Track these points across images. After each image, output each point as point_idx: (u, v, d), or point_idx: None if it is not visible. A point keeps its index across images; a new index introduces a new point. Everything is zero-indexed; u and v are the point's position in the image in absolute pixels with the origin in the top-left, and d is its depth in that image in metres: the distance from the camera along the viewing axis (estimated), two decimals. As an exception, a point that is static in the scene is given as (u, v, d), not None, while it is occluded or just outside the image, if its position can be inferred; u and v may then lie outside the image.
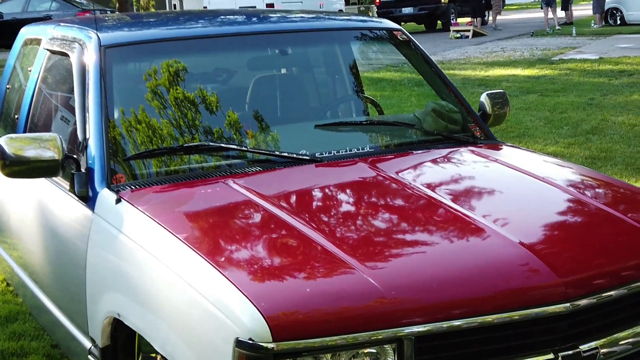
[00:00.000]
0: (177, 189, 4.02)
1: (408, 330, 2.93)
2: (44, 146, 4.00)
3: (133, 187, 3.98)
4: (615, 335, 3.25)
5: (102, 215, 3.94)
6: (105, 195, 3.96)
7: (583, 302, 3.12)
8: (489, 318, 3.02)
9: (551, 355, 3.07)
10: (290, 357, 2.85)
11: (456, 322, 2.98)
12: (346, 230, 3.60)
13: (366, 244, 3.42)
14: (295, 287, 3.12)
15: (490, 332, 3.04)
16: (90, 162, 4.10)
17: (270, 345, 2.83)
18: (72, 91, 4.54)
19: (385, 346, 2.92)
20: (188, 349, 3.18)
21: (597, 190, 4.16)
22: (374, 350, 2.92)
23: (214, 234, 3.63)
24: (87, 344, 4.07)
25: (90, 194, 4.04)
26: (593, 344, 3.16)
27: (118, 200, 3.86)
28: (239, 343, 2.88)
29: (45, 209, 4.63)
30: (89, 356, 4.02)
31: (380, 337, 2.91)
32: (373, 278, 3.05)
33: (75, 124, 4.38)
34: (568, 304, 3.08)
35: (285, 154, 4.26)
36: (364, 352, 2.92)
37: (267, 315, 2.87)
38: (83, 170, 4.08)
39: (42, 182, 4.60)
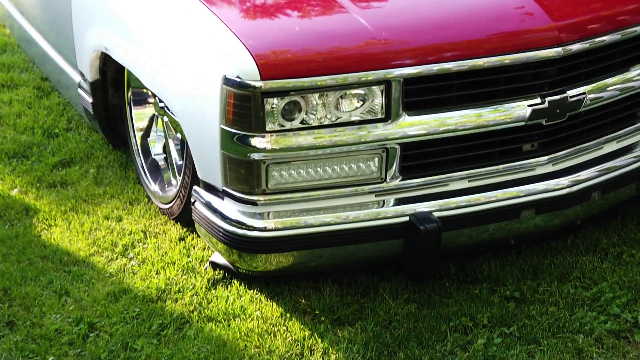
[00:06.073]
0: None
1: (398, 72, 2.90)
2: None
3: None
4: (604, 81, 3.24)
5: (85, -55, 3.78)
6: None
7: (575, 46, 3.08)
8: (480, 61, 2.98)
9: (538, 100, 3.08)
10: (278, 96, 2.85)
11: (447, 65, 2.95)
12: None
13: (359, -17, 3.32)
14: (285, 26, 3.06)
15: (479, 75, 3.03)
16: None
17: (258, 84, 2.81)
18: None
19: (373, 87, 2.91)
20: (176, 86, 3.17)
21: None
22: (362, 92, 2.91)
23: (202, -31, 3.50)
24: (77, 78, 4.06)
25: None
26: (581, 89, 3.16)
27: None
28: (226, 81, 2.86)
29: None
30: (79, 90, 4.03)
31: (369, 78, 2.89)
32: (364, 18, 2.99)
33: None
34: (560, 49, 3.04)
35: None
36: (352, 94, 2.91)
37: (255, 54, 2.84)
38: None
39: None
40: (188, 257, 3.47)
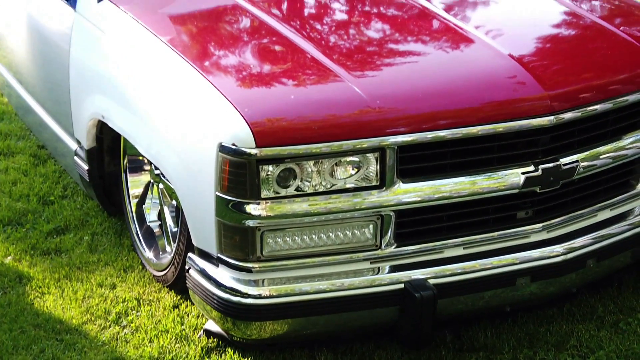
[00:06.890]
0: (161, -10, 3.90)
1: (392, 139, 2.93)
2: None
3: (115, -14, 3.86)
4: (597, 150, 3.27)
5: (83, 15, 3.83)
6: (87, -6, 3.84)
7: (567, 115, 3.12)
8: (473, 129, 3.01)
9: (532, 167, 3.10)
10: (273, 164, 2.86)
11: (441, 133, 2.98)
12: (335, 38, 3.54)
13: (354, 53, 3.37)
14: (280, 94, 3.09)
15: (473, 143, 3.05)
16: (69, -43, 3.94)
17: (253, 151, 2.83)
18: None
19: (368, 155, 2.93)
20: (172, 154, 3.19)
21: (593, 2, 4.06)
22: (357, 159, 2.93)
23: (200, 39, 3.55)
24: (73, 146, 4.08)
25: (71, -9, 3.92)
26: (574, 157, 3.19)
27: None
28: (222, 148, 2.88)
29: (29, 5, 4.51)
30: (75, 157, 4.04)
31: (364, 145, 2.91)
32: (359, 87, 3.02)
33: None
34: (552, 117, 3.07)
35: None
36: (347, 161, 2.93)
37: (250, 122, 2.86)
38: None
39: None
40: (182, 324, 3.44)
